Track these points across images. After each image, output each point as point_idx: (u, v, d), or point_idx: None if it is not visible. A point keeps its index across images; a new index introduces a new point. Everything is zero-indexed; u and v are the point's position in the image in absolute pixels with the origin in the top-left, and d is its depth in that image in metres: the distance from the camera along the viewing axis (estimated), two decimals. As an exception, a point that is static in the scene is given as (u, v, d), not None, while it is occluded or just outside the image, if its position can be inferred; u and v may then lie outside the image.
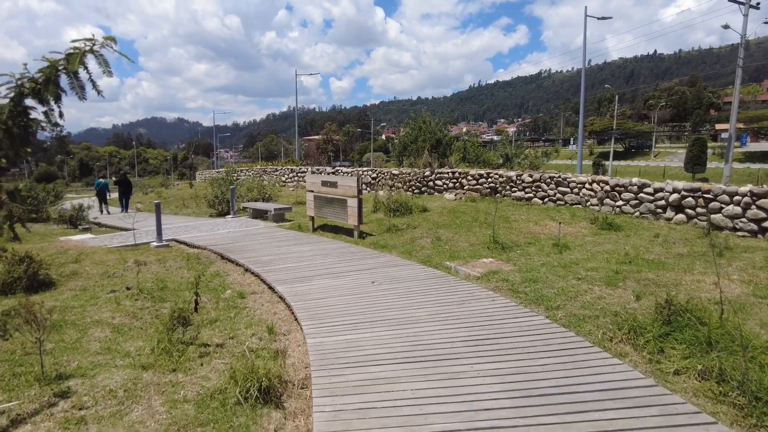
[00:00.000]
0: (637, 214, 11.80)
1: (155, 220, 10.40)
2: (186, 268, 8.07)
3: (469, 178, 16.13)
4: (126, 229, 13.66)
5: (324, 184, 11.14)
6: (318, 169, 23.67)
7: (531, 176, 14.48)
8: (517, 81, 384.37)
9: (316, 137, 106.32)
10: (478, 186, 15.81)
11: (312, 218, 11.81)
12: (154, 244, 10.26)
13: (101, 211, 19.97)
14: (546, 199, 13.95)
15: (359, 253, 8.62)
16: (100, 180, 22.56)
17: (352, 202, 10.23)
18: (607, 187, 12.55)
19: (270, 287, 6.49)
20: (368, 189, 19.58)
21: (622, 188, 12.25)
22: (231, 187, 15.03)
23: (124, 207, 20.89)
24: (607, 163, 52.73)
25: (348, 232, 11.02)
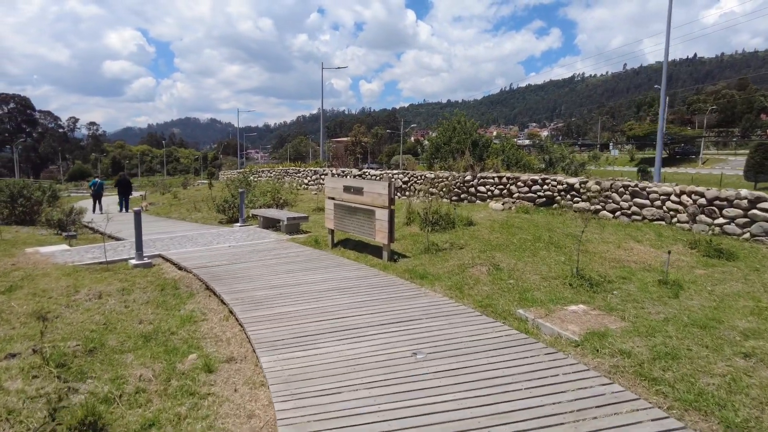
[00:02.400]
0: (747, 236, 9.15)
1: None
2: (154, 304, 5.88)
3: (519, 184, 13.62)
4: (118, 239, 11.70)
5: (347, 190, 8.86)
6: (343, 171, 21.45)
7: (599, 184, 11.90)
8: (549, 85, 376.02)
9: (345, 139, 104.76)
10: (531, 194, 13.29)
11: (331, 231, 9.55)
12: (133, 262, 8.16)
13: (94, 211, 19.14)
14: (618, 213, 11.36)
15: (390, 287, 6.27)
16: (96, 179, 21.72)
17: (382, 215, 7.91)
18: (703, 201, 9.91)
19: (255, 351, 4.20)
20: (398, 194, 17.24)
21: (725, 202, 9.61)
22: (240, 190, 12.90)
23: (125, 207, 20.26)
24: (652, 169, 49.01)
25: (375, 250, 8.71)
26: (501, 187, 14.16)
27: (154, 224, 14.76)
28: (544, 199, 13.06)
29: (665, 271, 6.66)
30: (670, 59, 21.79)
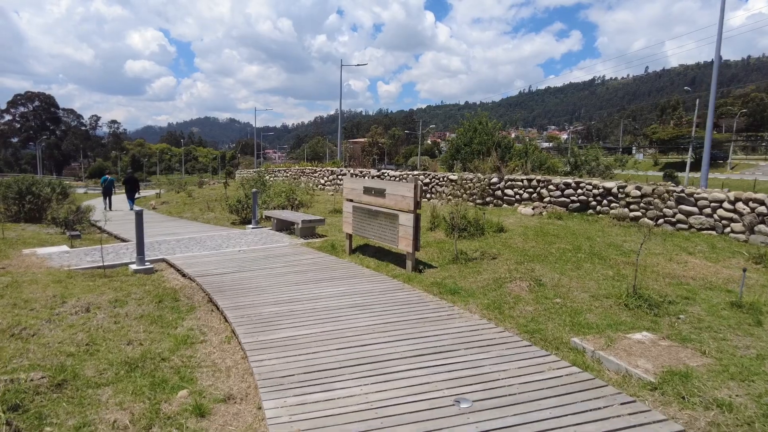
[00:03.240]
0: (816, 249, 8.14)
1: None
2: (148, 319, 5.15)
3: (551, 187, 12.70)
4: (123, 240, 11.10)
5: (367, 191, 8.07)
6: (361, 172, 20.69)
7: (639, 189, 10.93)
8: (568, 87, 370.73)
9: (362, 140, 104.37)
10: (564, 198, 12.36)
11: (349, 236, 8.76)
12: (133, 267, 7.47)
13: (105, 208, 19.90)
14: (660, 220, 10.37)
15: (417, 305, 5.46)
16: (106, 176, 22.03)
17: (406, 219, 7.10)
18: (762, 209, 8.93)
19: (258, 389, 3.42)
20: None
21: (789, 211, 8.61)
22: (253, 190, 12.19)
23: (131, 205, 20.62)
24: (681, 174, 47.38)
25: (397, 259, 7.91)
26: (530, 190, 13.25)
27: (164, 224, 14.16)
28: (578, 204, 12.12)
29: (740, 291, 5.71)
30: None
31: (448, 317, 4.96)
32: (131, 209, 20.09)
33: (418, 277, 6.86)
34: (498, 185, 14.04)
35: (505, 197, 13.87)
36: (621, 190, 11.28)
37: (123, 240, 10.87)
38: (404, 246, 7.21)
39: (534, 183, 13.21)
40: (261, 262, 7.91)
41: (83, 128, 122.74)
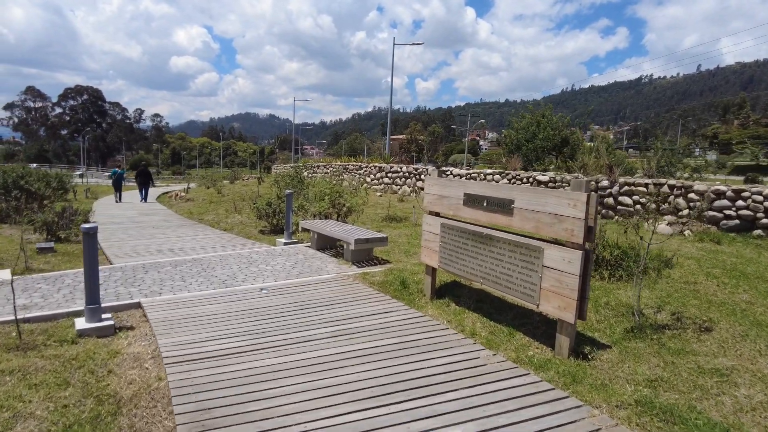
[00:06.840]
0: None
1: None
2: None
3: (691, 196, 9.12)
4: (110, 260, 8.19)
5: (473, 201, 4.78)
6: (416, 169, 17.35)
7: None
8: (613, 86, 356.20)
9: (400, 137, 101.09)
10: (712, 212, 8.77)
11: (432, 270, 5.48)
12: (80, 323, 4.43)
13: (116, 200, 20.24)
14: None
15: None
16: (116, 169, 22.31)
17: (564, 260, 3.82)
18: None
19: None
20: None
21: None
22: (287, 191, 9.05)
23: (143, 197, 20.87)
24: (766, 179, 41.79)
25: (521, 317, 4.65)
26: (658, 199, 9.66)
27: (173, 232, 11.28)
28: (738, 221, 8.52)
29: None
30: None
31: None
32: (141, 201, 20.53)
33: (589, 375, 3.55)
34: (610, 191, 10.51)
35: (618, 207, 10.33)
36: (817, 202, 7.63)
37: (108, 259, 7.91)
38: (555, 308, 3.90)
39: (665, 189, 9.64)
40: (292, 318, 4.76)
41: (127, 121, 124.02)
